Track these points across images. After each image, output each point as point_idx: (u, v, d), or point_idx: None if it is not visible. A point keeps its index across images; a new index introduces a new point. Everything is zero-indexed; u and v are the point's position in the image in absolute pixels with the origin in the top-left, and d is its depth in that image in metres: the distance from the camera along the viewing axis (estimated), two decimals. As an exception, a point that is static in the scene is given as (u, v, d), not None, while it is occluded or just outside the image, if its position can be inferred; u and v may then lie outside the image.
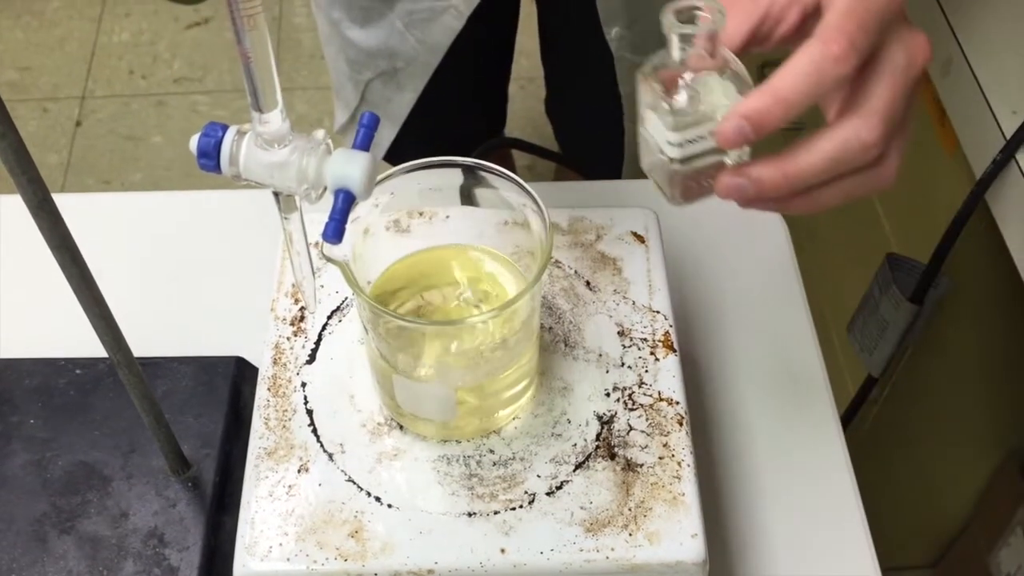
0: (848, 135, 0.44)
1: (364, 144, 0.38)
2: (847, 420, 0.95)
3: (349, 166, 0.37)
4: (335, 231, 0.37)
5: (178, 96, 2.02)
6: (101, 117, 1.99)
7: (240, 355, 0.63)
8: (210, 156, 0.37)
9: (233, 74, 2.05)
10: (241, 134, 0.37)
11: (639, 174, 0.67)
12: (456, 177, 0.50)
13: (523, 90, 1.86)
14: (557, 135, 1.19)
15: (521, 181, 0.47)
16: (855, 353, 0.89)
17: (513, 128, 1.38)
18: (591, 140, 1.09)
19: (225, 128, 0.37)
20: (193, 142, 0.37)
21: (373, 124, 0.38)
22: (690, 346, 0.64)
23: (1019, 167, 0.69)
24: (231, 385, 0.61)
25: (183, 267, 0.70)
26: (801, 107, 0.43)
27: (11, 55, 2.09)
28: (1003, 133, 0.70)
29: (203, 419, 0.60)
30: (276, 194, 0.39)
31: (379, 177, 0.44)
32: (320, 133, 0.38)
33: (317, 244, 0.44)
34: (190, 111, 2.00)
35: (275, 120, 0.36)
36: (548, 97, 1.19)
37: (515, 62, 1.15)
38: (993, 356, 0.93)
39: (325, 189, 0.38)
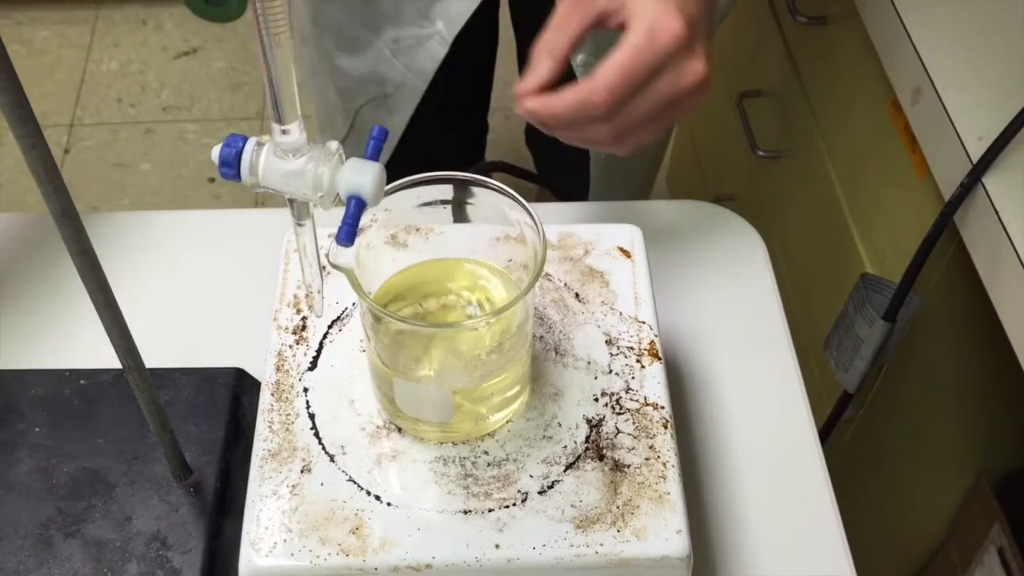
0: (590, 94, 0.58)
1: (374, 155, 0.41)
2: (823, 436, 0.97)
3: (361, 175, 0.40)
4: (347, 234, 0.40)
5: (166, 124, 2.05)
6: (89, 144, 2.01)
7: (240, 366, 0.65)
8: (231, 165, 0.39)
9: (220, 103, 2.08)
10: (260, 145, 0.40)
11: (606, 196, 0.71)
12: (450, 194, 0.52)
13: (507, 120, 1.90)
14: (536, 165, 1.23)
15: (517, 196, 0.50)
16: (831, 370, 0.92)
17: (496, 158, 1.42)
18: (564, 166, 1.13)
19: (245, 139, 0.40)
20: (215, 152, 0.40)
21: (383, 136, 0.41)
22: (674, 356, 0.66)
23: (985, 190, 0.72)
24: (231, 395, 0.63)
25: (184, 283, 0.73)
26: (568, 122, 0.60)
27: None
28: (970, 158, 0.73)
29: (204, 427, 0.62)
30: (291, 201, 0.42)
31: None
32: (334, 144, 0.41)
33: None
34: (178, 139, 2.02)
35: (294, 131, 0.39)
36: (527, 127, 1.22)
37: (500, 93, 1.18)
38: (965, 375, 0.96)
39: (337, 196, 0.41)
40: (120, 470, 0.60)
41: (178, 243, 0.76)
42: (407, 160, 1.01)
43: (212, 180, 1.95)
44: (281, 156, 0.40)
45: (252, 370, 0.65)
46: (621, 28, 0.60)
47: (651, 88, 0.59)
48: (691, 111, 0.61)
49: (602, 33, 0.92)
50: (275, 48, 0.36)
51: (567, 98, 0.58)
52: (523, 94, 0.61)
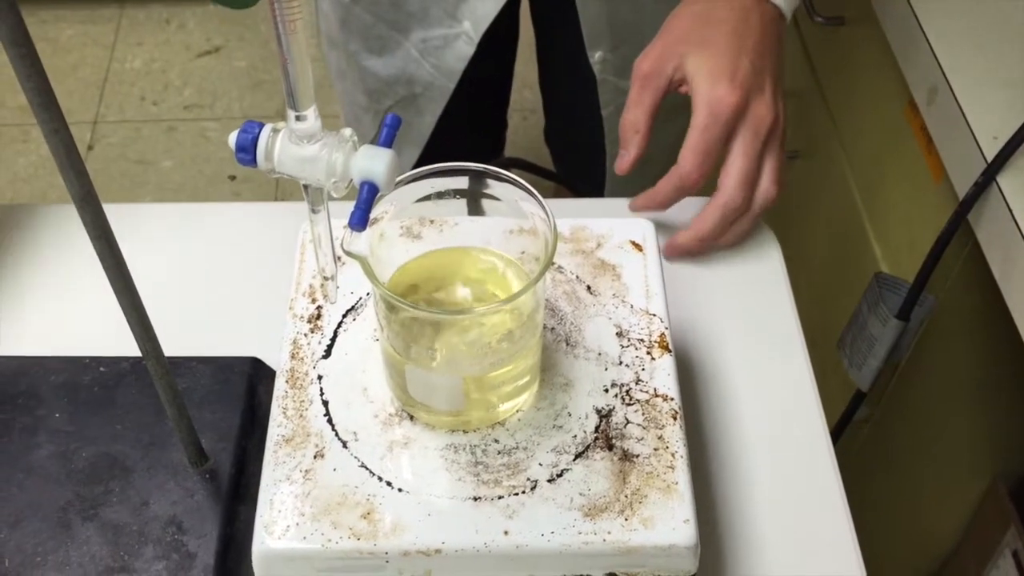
0: (725, 200, 0.69)
1: (387, 142, 0.41)
2: (836, 435, 0.97)
3: (374, 161, 0.41)
4: (360, 219, 0.41)
5: (188, 122, 2.07)
6: (112, 142, 2.03)
7: (255, 356, 0.66)
8: (247, 151, 0.40)
9: (242, 101, 2.10)
10: (275, 131, 0.41)
11: (621, 194, 0.73)
12: (465, 186, 0.53)
13: (526, 120, 1.91)
14: (555, 163, 1.23)
15: (528, 186, 0.50)
16: (845, 369, 0.92)
17: (514, 156, 1.43)
18: (581, 165, 1.13)
19: (261, 126, 0.41)
20: (232, 138, 0.41)
21: (396, 124, 0.42)
22: (685, 351, 0.67)
23: (1000, 190, 0.72)
24: (247, 383, 0.64)
25: (200, 274, 0.74)
26: (674, 201, 0.70)
27: (25, 80, 2.14)
28: (984, 157, 0.73)
29: (220, 415, 0.63)
30: (306, 187, 0.43)
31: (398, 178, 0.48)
32: (347, 131, 0.41)
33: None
34: (199, 137, 2.04)
35: (310, 117, 0.40)
36: (546, 126, 1.23)
37: (519, 93, 1.19)
38: (980, 376, 0.96)
39: (351, 182, 0.42)
40: (137, 456, 0.61)
41: (195, 235, 0.77)
42: (432, 160, 1.02)
43: (233, 178, 1.96)
44: (296, 142, 0.41)
45: (268, 359, 0.66)
46: (687, 93, 0.70)
47: (738, 147, 0.69)
48: (782, 140, 0.72)
49: (618, 32, 0.93)
50: (290, 35, 0.37)
51: (664, 185, 0.70)
52: (623, 170, 0.72)
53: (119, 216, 0.78)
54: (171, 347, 0.55)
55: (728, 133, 0.69)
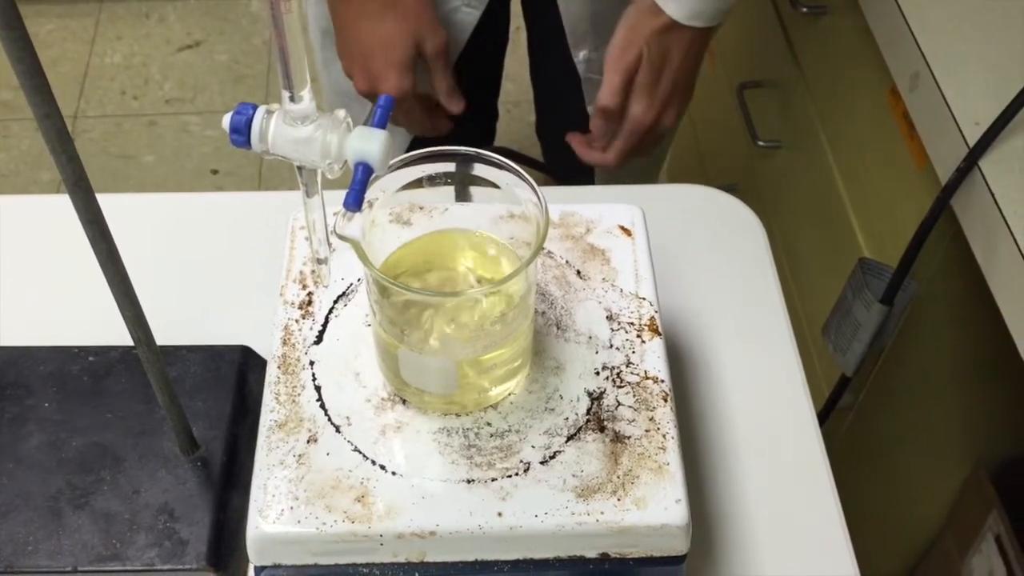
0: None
1: (381, 123, 0.42)
2: (821, 420, 0.98)
3: (368, 142, 0.41)
4: (355, 200, 0.41)
5: (169, 116, 2.06)
6: (93, 136, 2.02)
7: (246, 344, 0.66)
8: (241, 132, 0.40)
9: (223, 96, 2.09)
10: (269, 113, 0.41)
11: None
12: (455, 170, 0.53)
13: (508, 113, 1.91)
14: (545, 156, 1.24)
15: (518, 168, 0.51)
16: (830, 353, 0.93)
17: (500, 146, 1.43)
18: (570, 157, 1.14)
19: (255, 107, 0.41)
20: (226, 120, 0.41)
21: (389, 105, 0.42)
22: (674, 337, 0.67)
23: (982, 174, 0.73)
24: (237, 372, 0.64)
25: (189, 265, 0.74)
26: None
27: (5, 75, 2.12)
28: (967, 142, 0.74)
29: (211, 403, 0.63)
30: (300, 169, 0.43)
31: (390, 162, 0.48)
32: (341, 112, 0.42)
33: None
34: (181, 131, 2.03)
35: (305, 98, 0.40)
36: (536, 119, 1.23)
37: (502, 86, 1.20)
38: (962, 361, 0.97)
39: (345, 163, 0.42)
40: (128, 444, 0.61)
41: (184, 225, 0.76)
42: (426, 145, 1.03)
43: (215, 172, 1.96)
44: (290, 124, 0.41)
45: (257, 348, 0.66)
46: None
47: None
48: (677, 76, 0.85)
49: (601, 31, 0.94)
50: (286, 15, 0.37)
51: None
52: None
53: (107, 206, 0.78)
54: (161, 336, 0.55)
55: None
